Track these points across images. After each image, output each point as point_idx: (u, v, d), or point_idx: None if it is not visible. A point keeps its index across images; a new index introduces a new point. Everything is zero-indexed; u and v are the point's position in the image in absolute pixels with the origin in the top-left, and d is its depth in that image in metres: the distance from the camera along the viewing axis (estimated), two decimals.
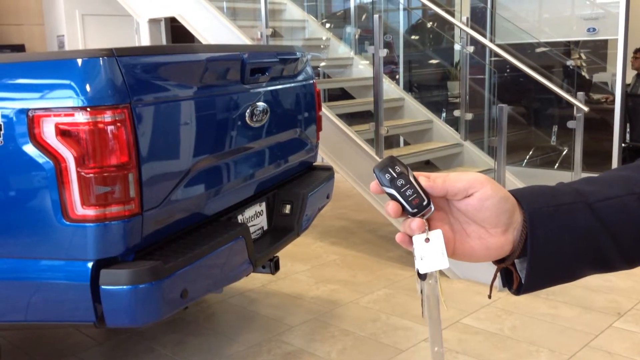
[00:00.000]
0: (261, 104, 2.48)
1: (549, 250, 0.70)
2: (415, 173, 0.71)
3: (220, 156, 2.30)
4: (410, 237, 0.70)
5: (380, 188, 0.71)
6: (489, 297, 0.81)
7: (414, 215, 0.69)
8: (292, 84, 2.87)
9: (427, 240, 0.69)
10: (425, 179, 0.70)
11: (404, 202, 0.69)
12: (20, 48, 7.70)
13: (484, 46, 5.08)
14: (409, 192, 0.69)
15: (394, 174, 0.70)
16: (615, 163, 4.96)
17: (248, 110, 2.41)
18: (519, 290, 0.74)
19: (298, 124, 2.93)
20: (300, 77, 2.94)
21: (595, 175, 0.78)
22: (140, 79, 1.89)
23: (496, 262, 0.75)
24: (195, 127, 2.14)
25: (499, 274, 0.77)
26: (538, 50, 5.82)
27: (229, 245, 2.17)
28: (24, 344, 3.07)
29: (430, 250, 0.69)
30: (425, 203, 0.69)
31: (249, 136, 2.47)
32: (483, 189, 0.69)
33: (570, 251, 0.71)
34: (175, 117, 2.06)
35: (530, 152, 5.93)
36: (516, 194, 0.72)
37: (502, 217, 0.70)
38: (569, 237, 0.70)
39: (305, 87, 2.98)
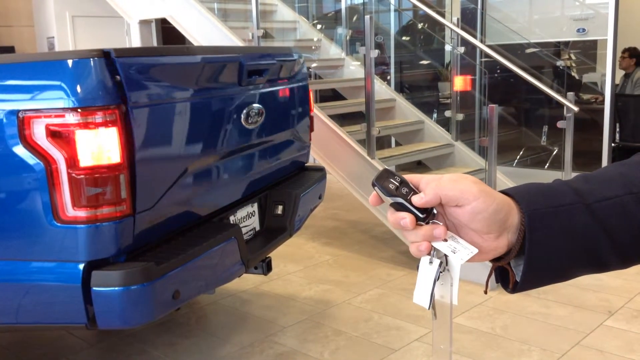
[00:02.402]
0: (256, 106, 2.48)
1: (546, 252, 0.71)
2: (406, 176, 0.71)
3: (213, 158, 2.29)
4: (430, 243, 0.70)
5: (382, 200, 0.70)
6: (485, 292, 0.82)
7: (423, 220, 0.69)
8: (288, 86, 2.87)
9: (446, 240, 0.70)
10: (418, 198, 0.69)
11: (413, 209, 0.69)
12: (9, 50, 7.65)
13: (474, 47, 5.10)
14: (415, 199, 0.69)
15: (397, 183, 0.69)
16: (605, 163, 4.99)
17: (244, 112, 2.40)
18: (514, 288, 0.75)
19: (292, 125, 2.93)
20: (295, 79, 2.94)
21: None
22: (131, 79, 1.88)
23: (492, 260, 0.75)
24: (189, 128, 2.13)
25: (492, 272, 0.77)
26: (528, 50, 5.85)
27: (221, 246, 2.17)
28: (14, 346, 3.05)
29: (455, 245, 0.70)
30: (429, 207, 0.70)
31: (243, 138, 2.46)
32: (475, 203, 0.69)
33: (567, 252, 0.71)
34: (169, 118, 2.05)
35: (521, 152, 5.96)
36: (514, 194, 0.72)
37: (494, 227, 0.70)
38: (567, 239, 0.70)
39: (300, 88, 2.98)
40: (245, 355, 2.86)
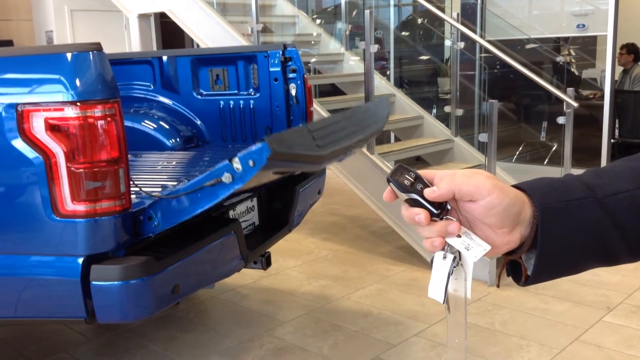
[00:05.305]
0: None
1: (558, 246, 0.71)
2: (420, 172, 0.71)
3: None
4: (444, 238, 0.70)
5: (396, 196, 0.70)
6: (497, 286, 0.83)
7: (438, 216, 0.69)
8: None
9: (459, 236, 0.70)
10: (430, 191, 0.69)
11: (427, 205, 0.69)
12: (8, 43, 7.63)
13: (474, 42, 5.10)
14: (427, 192, 0.69)
15: (412, 179, 0.69)
16: (604, 158, 4.99)
17: None
18: (526, 281, 0.75)
19: None
20: None
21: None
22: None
23: (504, 254, 0.76)
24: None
25: (504, 265, 0.78)
26: (528, 46, 5.84)
27: (221, 240, 2.16)
28: (12, 340, 3.05)
29: (468, 241, 0.70)
30: (443, 203, 0.70)
31: None
32: (489, 197, 0.69)
33: (578, 246, 0.72)
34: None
35: (520, 148, 5.95)
36: (527, 188, 0.72)
37: (507, 221, 0.70)
38: (578, 233, 0.71)
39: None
40: (244, 349, 2.87)
